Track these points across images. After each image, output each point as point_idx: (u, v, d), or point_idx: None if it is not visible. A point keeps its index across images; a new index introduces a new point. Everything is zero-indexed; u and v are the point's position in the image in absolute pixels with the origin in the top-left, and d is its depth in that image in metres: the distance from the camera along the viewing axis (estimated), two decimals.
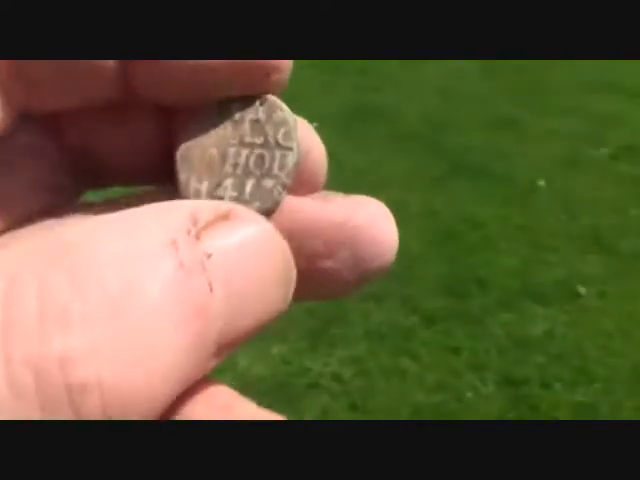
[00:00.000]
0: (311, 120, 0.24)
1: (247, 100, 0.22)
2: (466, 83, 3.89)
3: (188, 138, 0.22)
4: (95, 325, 0.14)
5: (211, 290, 0.16)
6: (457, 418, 1.66)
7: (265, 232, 0.18)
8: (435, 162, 2.95)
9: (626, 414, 1.66)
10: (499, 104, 3.57)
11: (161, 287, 0.15)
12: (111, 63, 0.20)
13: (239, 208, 0.18)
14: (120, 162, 0.24)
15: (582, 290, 2.13)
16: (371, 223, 0.22)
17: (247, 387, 1.63)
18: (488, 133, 3.24)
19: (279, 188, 0.22)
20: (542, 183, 2.77)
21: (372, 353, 1.89)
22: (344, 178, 2.77)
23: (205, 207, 0.17)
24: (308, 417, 1.68)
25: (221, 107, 0.22)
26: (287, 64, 0.21)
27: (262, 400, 0.27)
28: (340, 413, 1.69)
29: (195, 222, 0.17)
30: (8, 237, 0.21)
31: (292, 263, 0.19)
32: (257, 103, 0.22)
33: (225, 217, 0.17)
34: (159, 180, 0.24)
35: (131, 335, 0.15)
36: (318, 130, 0.24)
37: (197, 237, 0.16)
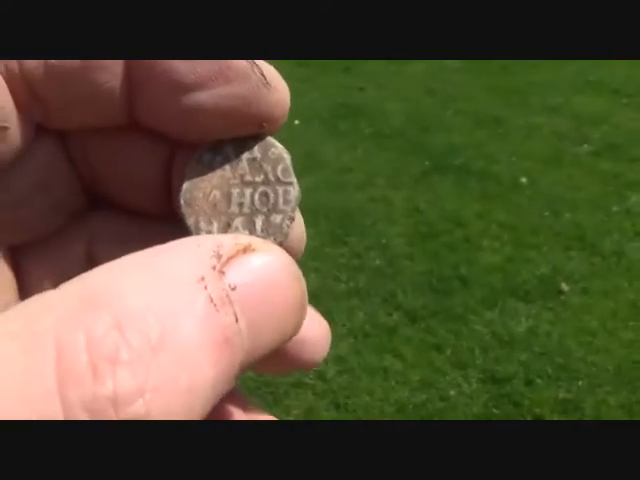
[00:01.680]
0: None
1: (240, 139, 0.23)
2: (450, 82, 3.90)
3: (188, 181, 0.24)
4: (141, 366, 0.16)
5: (237, 320, 0.18)
6: (441, 416, 1.67)
7: (282, 262, 0.20)
8: (419, 160, 2.96)
9: (610, 411, 1.67)
10: (482, 103, 3.59)
11: (195, 324, 0.17)
12: (116, 89, 0.22)
13: (257, 240, 0.20)
14: (126, 189, 0.26)
15: (565, 287, 2.14)
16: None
17: None
18: (471, 131, 3.26)
19: (287, 222, 0.24)
20: (524, 181, 2.79)
21: (356, 351, 1.89)
22: (329, 176, 2.77)
23: (226, 242, 0.19)
24: (293, 415, 1.68)
25: (216, 147, 0.24)
26: (281, 114, 0.23)
27: (248, 399, 0.27)
28: (324, 412, 1.70)
29: (219, 257, 0.18)
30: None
31: (305, 290, 0.21)
32: (251, 142, 0.24)
33: (245, 250, 0.19)
34: (162, 209, 0.26)
35: (172, 370, 0.17)
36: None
37: (222, 272, 0.18)
